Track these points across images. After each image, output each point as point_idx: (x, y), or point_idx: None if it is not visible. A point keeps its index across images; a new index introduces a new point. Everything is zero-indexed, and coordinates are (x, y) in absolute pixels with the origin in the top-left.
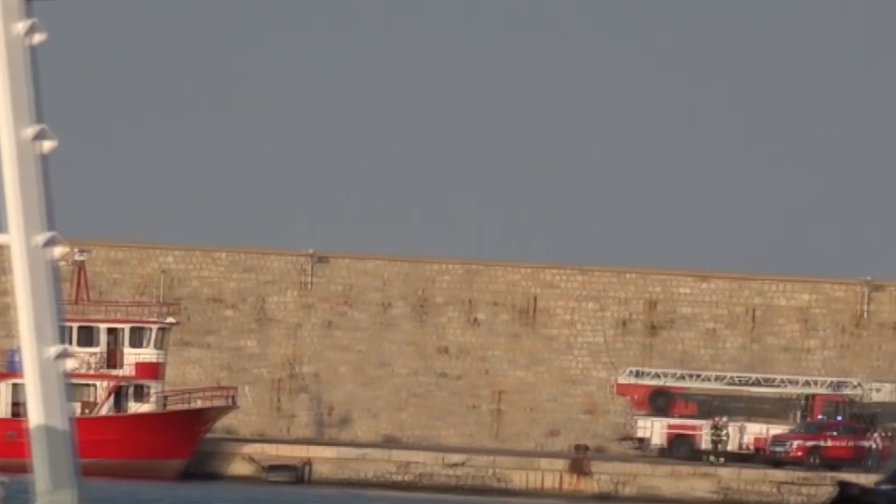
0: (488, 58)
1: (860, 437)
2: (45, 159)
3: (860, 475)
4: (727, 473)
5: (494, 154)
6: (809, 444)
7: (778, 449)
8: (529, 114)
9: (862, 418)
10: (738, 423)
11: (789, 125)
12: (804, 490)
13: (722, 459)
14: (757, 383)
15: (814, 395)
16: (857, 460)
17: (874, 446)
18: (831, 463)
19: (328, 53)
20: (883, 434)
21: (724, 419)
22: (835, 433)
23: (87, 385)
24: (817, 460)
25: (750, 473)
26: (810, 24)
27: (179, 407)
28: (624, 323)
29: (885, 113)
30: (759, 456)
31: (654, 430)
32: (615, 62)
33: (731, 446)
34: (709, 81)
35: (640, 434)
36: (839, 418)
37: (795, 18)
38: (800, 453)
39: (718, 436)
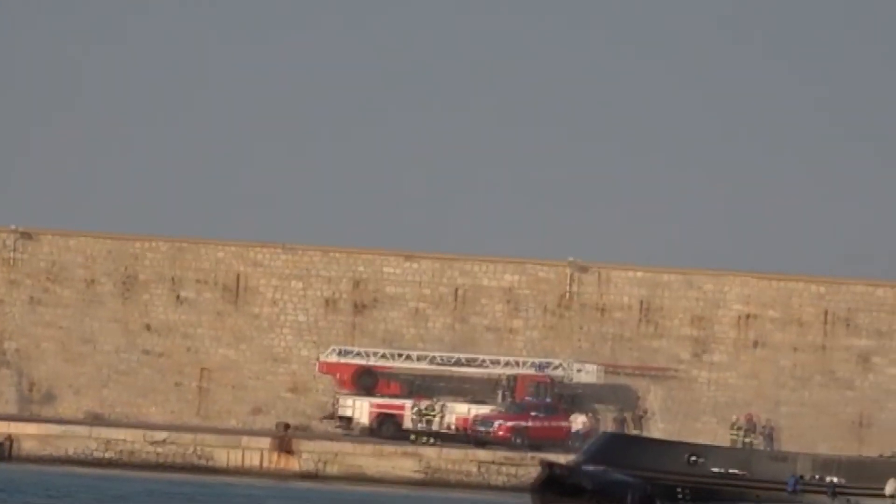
0: None
1: (563, 417)
2: None
3: (563, 456)
4: (431, 453)
5: (201, 130)
6: (513, 424)
7: (481, 429)
8: (225, 91)
9: (565, 399)
10: (443, 403)
11: (485, 107)
12: (508, 470)
13: (432, 440)
14: (461, 363)
15: (518, 376)
16: (561, 441)
17: (577, 427)
18: (535, 443)
19: None
20: (586, 415)
21: (435, 400)
22: (538, 414)
23: None
24: (521, 441)
25: (453, 453)
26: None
27: None
28: (329, 302)
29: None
30: (464, 436)
31: (359, 409)
32: None
33: (436, 426)
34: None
35: (344, 413)
36: (543, 399)
37: None
38: (503, 433)
39: (429, 416)
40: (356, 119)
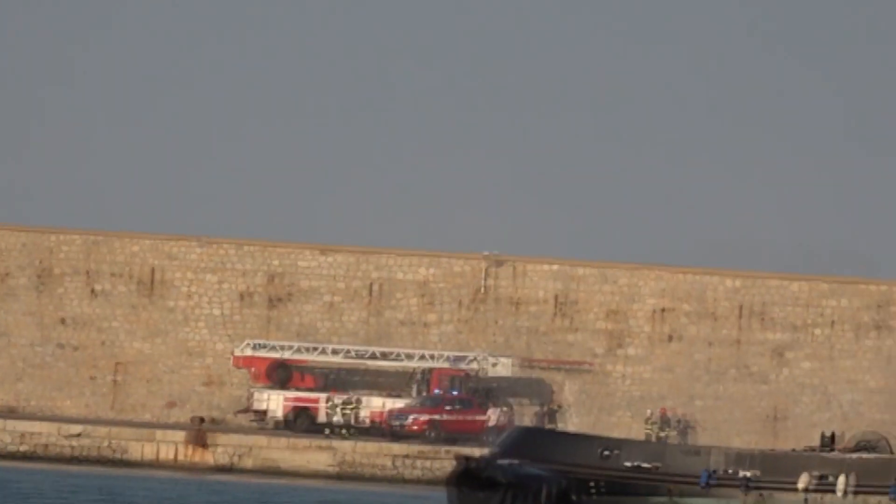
0: None
1: (478, 411)
2: None
3: (478, 449)
4: (345, 446)
5: (115, 124)
6: (426, 418)
7: (396, 423)
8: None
9: (479, 392)
10: (357, 396)
11: (400, 101)
12: (423, 464)
13: (352, 431)
14: (376, 357)
15: (433, 369)
16: (475, 434)
17: (491, 420)
18: (450, 437)
19: None
20: (500, 408)
21: (353, 394)
22: (453, 407)
23: None
24: (435, 434)
25: (368, 447)
26: None
27: None
28: (243, 295)
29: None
30: (378, 429)
31: (273, 402)
32: None
33: (353, 420)
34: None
35: (258, 406)
36: (457, 392)
37: None
38: (417, 427)
39: (348, 409)
40: (271, 113)
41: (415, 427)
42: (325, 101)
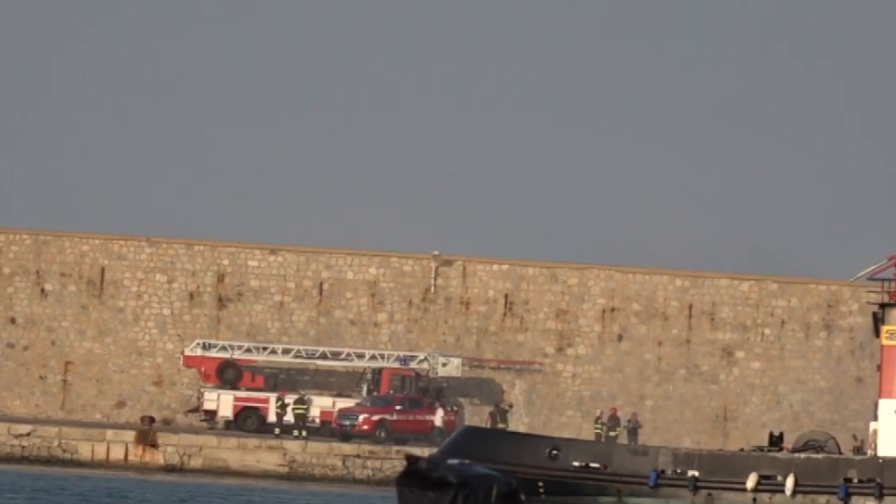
0: None
1: (427, 411)
2: None
3: (426, 449)
4: (294, 446)
5: (63, 122)
6: (376, 417)
7: (345, 423)
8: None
9: (429, 392)
10: (307, 396)
11: (349, 101)
12: (373, 464)
13: (304, 433)
14: (326, 357)
15: (382, 369)
16: (424, 434)
17: (439, 420)
18: (399, 437)
19: None
20: (448, 408)
21: (304, 393)
22: (402, 407)
23: None
24: (384, 434)
25: (317, 447)
26: None
27: None
28: (192, 295)
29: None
30: (327, 429)
31: (222, 402)
32: None
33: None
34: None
35: (208, 406)
36: (406, 392)
37: None
38: (366, 427)
39: (300, 409)
40: (218, 112)
41: (364, 427)
42: (272, 102)
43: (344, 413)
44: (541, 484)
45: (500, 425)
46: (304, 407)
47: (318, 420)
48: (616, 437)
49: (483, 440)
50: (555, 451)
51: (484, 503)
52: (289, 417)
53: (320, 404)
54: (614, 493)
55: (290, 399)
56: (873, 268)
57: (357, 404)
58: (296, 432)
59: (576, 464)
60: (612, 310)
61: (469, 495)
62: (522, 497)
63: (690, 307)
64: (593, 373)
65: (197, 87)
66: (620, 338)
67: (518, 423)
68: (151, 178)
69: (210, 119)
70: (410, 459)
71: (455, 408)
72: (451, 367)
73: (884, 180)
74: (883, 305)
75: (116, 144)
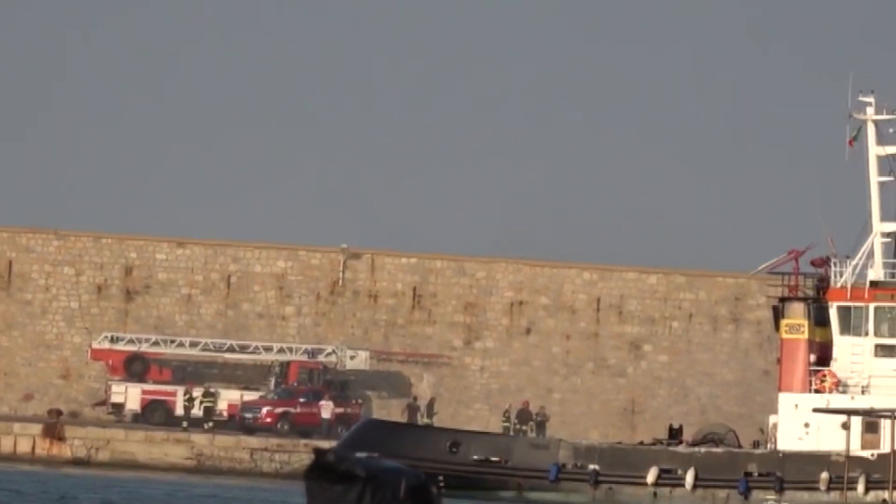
0: None
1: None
2: None
3: (332, 442)
4: (201, 439)
5: None
6: (279, 410)
7: (248, 415)
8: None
9: (334, 385)
10: (214, 389)
11: (253, 96)
12: (280, 457)
13: (211, 424)
14: (233, 350)
15: (289, 362)
16: (329, 427)
17: (328, 413)
18: (302, 429)
19: None
20: (353, 401)
21: (208, 386)
22: (304, 400)
23: None
24: (287, 427)
25: (224, 440)
26: None
27: None
28: (100, 288)
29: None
30: (233, 422)
31: (130, 395)
32: None
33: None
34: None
35: (115, 399)
36: (312, 385)
37: None
38: (269, 420)
39: (208, 402)
40: (125, 105)
41: (267, 419)
42: (180, 93)
43: (247, 406)
44: (440, 478)
45: (426, 420)
46: (212, 400)
47: (225, 413)
48: (524, 430)
49: (384, 433)
50: (455, 445)
51: (393, 498)
52: (196, 410)
53: (228, 397)
54: (514, 487)
55: (197, 392)
56: (774, 261)
57: (261, 397)
58: (205, 425)
59: (476, 457)
60: (520, 303)
61: (377, 489)
62: (434, 490)
63: (598, 300)
64: (501, 366)
65: (102, 77)
66: (528, 331)
67: (425, 416)
68: (59, 171)
69: (118, 112)
70: (318, 452)
71: (359, 400)
72: (359, 360)
73: (790, 173)
74: (782, 299)
75: (22, 136)
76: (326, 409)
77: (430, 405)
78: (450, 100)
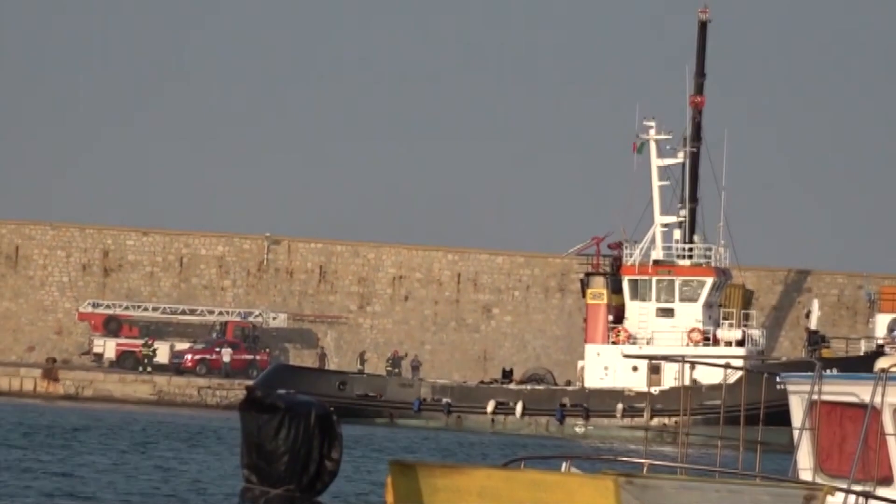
0: None
1: (243, 352)
2: None
3: (250, 381)
4: (162, 380)
5: None
6: (198, 357)
7: (176, 361)
8: None
9: (248, 338)
10: (169, 342)
11: (194, 91)
12: (220, 394)
13: (150, 369)
14: (185, 313)
15: (227, 322)
16: (229, 369)
17: (227, 357)
18: (227, 372)
19: None
20: (264, 350)
21: (147, 340)
22: (221, 349)
23: None
24: (205, 370)
25: (179, 381)
26: None
27: None
28: (85, 267)
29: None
30: (172, 367)
31: (108, 347)
32: None
33: (162, 359)
34: None
35: (97, 350)
36: (235, 338)
37: None
38: (190, 364)
39: (149, 352)
40: (93, 103)
41: (189, 364)
42: (129, 90)
43: (176, 354)
44: (332, 409)
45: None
46: (150, 350)
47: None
48: (399, 373)
49: (289, 375)
50: (342, 384)
51: (304, 422)
52: (159, 358)
53: (181, 348)
54: (387, 416)
55: (151, 345)
56: (580, 246)
57: (189, 347)
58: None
59: (358, 393)
60: (401, 277)
61: (293, 418)
62: (335, 418)
63: (459, 276)
64: (386, 325)
65: (50, 74)
66: (406, 298)
67: (330, 363)
68: (57, 174)
69: (92, 109)
70: (249, 389)
71: (268, 350)
72: (280, 321)
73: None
74: (588, 274)
75: (26, 137)
76: (226, 355)
77: (324, 356)
78: (343, 97)
